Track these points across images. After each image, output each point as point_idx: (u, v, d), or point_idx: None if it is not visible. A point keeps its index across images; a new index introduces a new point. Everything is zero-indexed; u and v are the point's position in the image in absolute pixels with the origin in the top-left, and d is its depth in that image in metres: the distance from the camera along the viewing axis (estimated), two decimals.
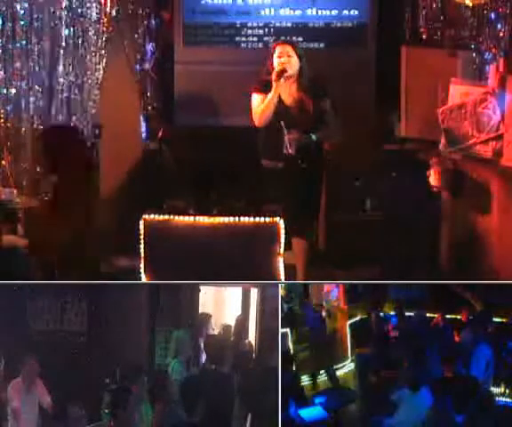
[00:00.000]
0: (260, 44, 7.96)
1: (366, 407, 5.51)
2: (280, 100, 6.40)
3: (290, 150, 6.30)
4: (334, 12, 7.91)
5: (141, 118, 7.92)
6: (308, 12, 7.92)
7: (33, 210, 6.75)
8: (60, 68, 7.27)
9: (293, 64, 6.41)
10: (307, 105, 6.42)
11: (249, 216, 5.99)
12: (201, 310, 5.95)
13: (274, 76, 6.33)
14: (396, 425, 4.96)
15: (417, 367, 5.26)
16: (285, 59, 6.38)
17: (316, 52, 7.70)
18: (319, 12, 7.90)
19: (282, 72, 6.33)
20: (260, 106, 6.40)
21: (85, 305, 5.67)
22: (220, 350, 5.36)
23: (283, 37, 7.16)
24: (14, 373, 5.15)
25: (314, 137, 6.39)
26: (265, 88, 6.40)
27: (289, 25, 7.96)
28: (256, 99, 6.45)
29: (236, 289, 6.05)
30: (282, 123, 6.30)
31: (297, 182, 6.42)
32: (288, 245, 6.36)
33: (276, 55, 6.41)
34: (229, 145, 7.51)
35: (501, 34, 7.12)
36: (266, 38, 7.94)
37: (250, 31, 7.96)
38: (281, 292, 6.43)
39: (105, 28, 7.38)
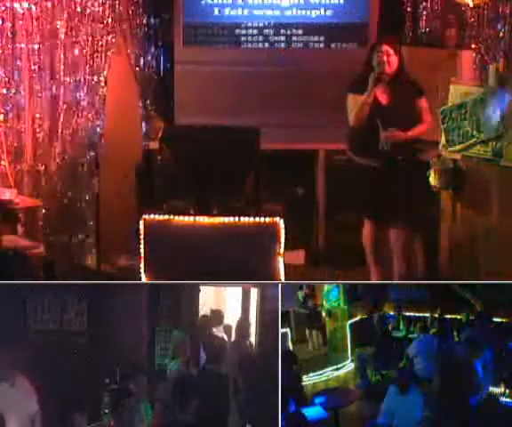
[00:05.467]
0: (260, 44, 7.96)
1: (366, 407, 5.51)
2: (375, 100, 6.42)
3: (385, 147, 6.38)
4: (334, 12, 7.91)
5: (141, 118, 7.93)
6: (309, 11, 7.92)
7: None
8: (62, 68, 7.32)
9: (392, 63, 6.43)
10: (404, 104, 6.46)
11: (249, 216, 5.99)
12: (201, 309, 5.95)
13: (372, 78, 6.36)
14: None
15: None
16: (385, 58, 6.40)
17: (315, 52, 7.71)
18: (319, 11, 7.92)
19: (381, 74, 6.38)
20: (356, 107, 6.40)
21: (85, 305, 5.66)
22: (220, 350, 5.36)
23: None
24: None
25: (410, 134, 6.47)
26: (362, 88, 6.42)
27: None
28: (353, 99, 6.46)
29: (236, 289, 6.05)
30: (378, 121, 6.35)
31: (391, 179, 6.47)
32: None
33: (376, 54, 6.43)
34: (229, 145, 7.50)
35: (501, 34, 7.14)
36: (266, 38, 7.94)
37: (250, 31, 7.95)
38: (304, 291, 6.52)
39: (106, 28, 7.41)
